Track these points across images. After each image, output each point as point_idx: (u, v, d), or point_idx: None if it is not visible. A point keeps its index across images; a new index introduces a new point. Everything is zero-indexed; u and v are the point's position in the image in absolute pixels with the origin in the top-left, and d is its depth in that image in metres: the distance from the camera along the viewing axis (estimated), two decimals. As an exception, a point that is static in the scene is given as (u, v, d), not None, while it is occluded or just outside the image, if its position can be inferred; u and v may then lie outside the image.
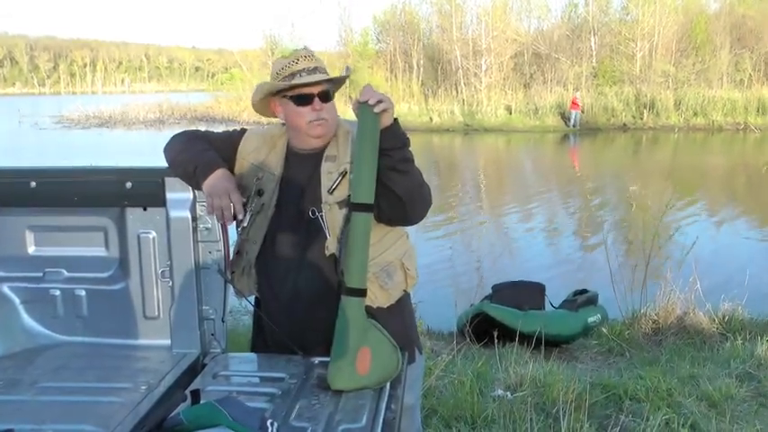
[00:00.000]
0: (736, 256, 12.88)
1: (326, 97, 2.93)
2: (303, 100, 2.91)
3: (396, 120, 2.77)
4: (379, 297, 2.96)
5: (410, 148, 2.83)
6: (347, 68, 3.02)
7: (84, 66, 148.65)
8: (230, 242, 3.10)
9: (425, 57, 50.83)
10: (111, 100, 62.06)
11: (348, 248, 2.76)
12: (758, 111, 39.70)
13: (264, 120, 3.01)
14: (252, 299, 3.14)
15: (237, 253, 3.08)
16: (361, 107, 2.70)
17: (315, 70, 2.90)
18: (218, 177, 2.88)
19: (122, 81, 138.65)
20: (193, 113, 51.98)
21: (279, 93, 2.97)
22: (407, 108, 44.77)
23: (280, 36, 52.87)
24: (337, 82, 3.03)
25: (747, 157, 29.54)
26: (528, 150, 35.25)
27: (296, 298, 2.96)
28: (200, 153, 2.95)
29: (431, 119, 43.03)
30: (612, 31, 48.51)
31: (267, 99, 3.03)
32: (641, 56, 46.10)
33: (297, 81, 2.89)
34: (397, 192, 2.78)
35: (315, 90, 2.90)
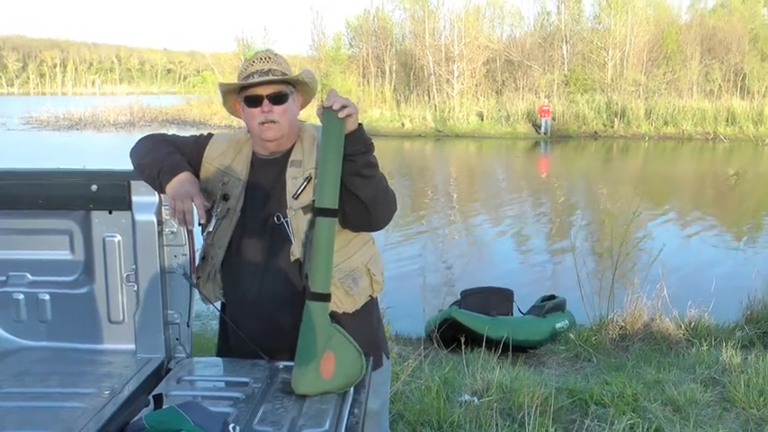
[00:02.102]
0: (702, 263, 12.99)
1: (279, 99, 2.92)
2: (253, 101, 2.92)
3: (360, 125, 2.78)
4: (344, 302, 2.96)
5: (374, 153, 2.84)
6: (305, 71, 3.02)
7: (54, 66, 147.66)
8: (197, 246, 3.09)
9: (398, 62, 51.00)
10: (81, 101, 61.47)
11: (312, 253, 2.76)
12: (727, 121, 40.22)
13: (236, 123, 3.01)
14: (218, 304, 3.13)
15: (203, 258, 3.07)
16: (326, 112, 2.70)
17: (268, 72, 2.90)
18: (181, 180, 2.86)
19: (93, 82, 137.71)
20: (164, 116, 51.80)
21: (239, 94, 2.99)
22: (379, 113, 45.01)
23: (252, 39, 52.78)
24: (296, 84, 3.01)
25: (716, 166, 29.80)
26: (499, 157, 35.36)
27: (261, 303, 2.95)
28: (165, 156, 2.93)
29: (403, 124, 43.24)
30: (584, 39, 48.91)
31: (234, 101, 3.04)
32: (612, 65, 46.49)
33: (245, 82, 2.91)
34: (362, 197, 2.79)
35: (264, 92, 2.90)
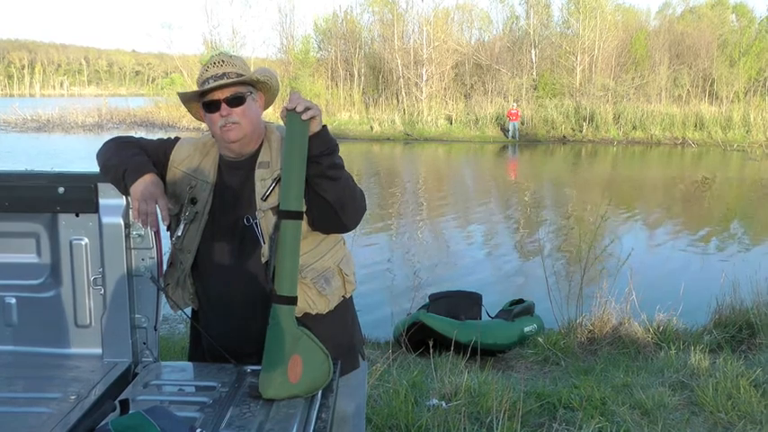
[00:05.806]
0: (671, 267, 13.07)
1: (236, 101, 2.89)
2: (211, 107, 2.90)
3: (324, 126, 2.77)
4: (317, 303, 2.95)
5: (340, 155, 2.83)
6: (260, 69, 3.00)
7: (23, 68, 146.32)
8: (165, 248, 3.07)
9: (367, 65, 50.93)
10: (49, 103, 60.84)
11: (277, 257, 2.75)
12: (695, 126, 40.51)
13: (204, 126, 2.99)
14: (188, 310, 3.11)
15: (171, 264, 3.05)
16: (289, 114, 2.69)
17: (222, 76, 2.88)
18: (145, 182, 2.85)
19: (61, 84, 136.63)
20: (133, 118, 51.45)
21: (199, 101, 2.97)
22: (348, 117, 45.03)
23: (220, 42, 52.54)
24: (256, 84, 2.99)
25: (684, 171, 29.98)
26: (467, 160, 35.45)
27: (232, 307, 2.94)
28: (130, 157, 2.92)
29: (371, 128, 43.24)
30: (553, 44, 49.12)
31: (197, 108, 3.02)
32: (581, 69, 46.65)
33: (201, 88, 2.90)
34: (329, 199, 2.78)
35: (221, 95, 2.88)
